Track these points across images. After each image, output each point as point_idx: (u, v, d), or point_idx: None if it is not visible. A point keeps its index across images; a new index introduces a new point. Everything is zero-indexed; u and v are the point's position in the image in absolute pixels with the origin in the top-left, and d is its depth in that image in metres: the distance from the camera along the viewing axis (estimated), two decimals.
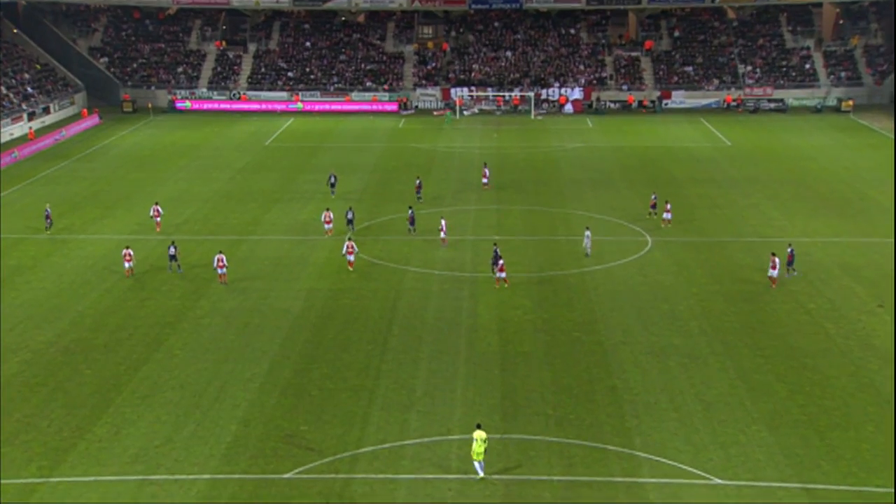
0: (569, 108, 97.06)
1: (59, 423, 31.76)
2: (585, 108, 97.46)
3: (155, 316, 41.48)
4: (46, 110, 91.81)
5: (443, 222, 51.22)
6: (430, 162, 73.58)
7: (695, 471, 28.82)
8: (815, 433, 31.15)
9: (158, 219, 54.22)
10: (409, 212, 53.46)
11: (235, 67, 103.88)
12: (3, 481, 28.00)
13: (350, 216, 53.82)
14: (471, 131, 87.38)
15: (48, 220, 54.55)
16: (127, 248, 46.54)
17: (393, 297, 43.77)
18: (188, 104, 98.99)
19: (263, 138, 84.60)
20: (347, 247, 46.74)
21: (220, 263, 44.76)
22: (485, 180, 64.40)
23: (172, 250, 46.94)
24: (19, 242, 52.81)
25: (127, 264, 46.10)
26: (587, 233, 49.25)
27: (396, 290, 44.64)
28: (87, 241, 52.49)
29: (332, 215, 53.11)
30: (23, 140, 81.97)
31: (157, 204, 55.16)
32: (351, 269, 46.51)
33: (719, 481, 28.31)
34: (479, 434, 28.26)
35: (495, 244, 47.15)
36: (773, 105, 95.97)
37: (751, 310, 41.95)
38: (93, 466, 28.95)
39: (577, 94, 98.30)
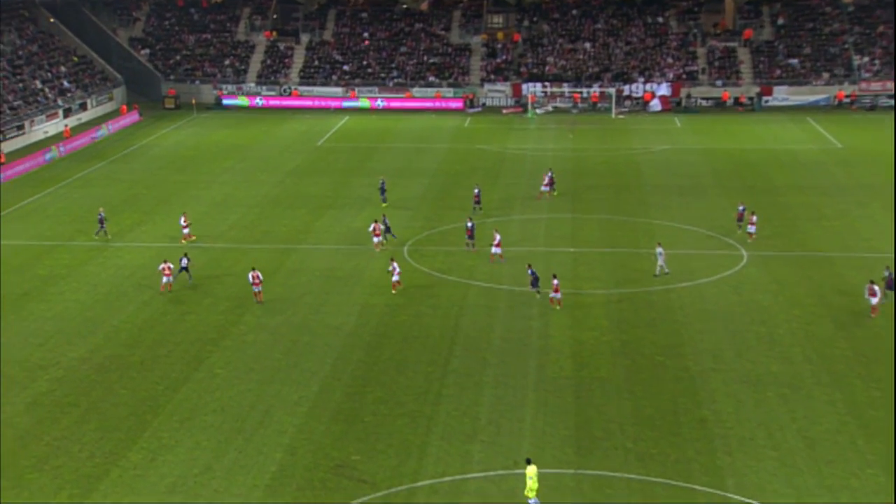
0: (655, 105, 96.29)
1: (92, 447, 32.56)
2: (673, 105, 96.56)
3: (195, 332, 42.27)
4: (83, 106, 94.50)
5: (497, 236, 50.73)
6: (499, 165, 73.66)
7: None
8: None
9: (187, 230, 54.98)
10: (469, 224, 53.09)
11: (286, 60, 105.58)
12: None
13: (387, 223, 54.15)
14: (544, 131, 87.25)
15: (101, 226, 55.68)
16: (165, 261, 47.48)
17: (455, 314, 43.90)
18: (235, 98, 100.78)
19: (315, 138, 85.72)
20: (392, 266, 46.61)
21: (256, 280, 45.12)
22: (544, 187, 63.48)
23: (185, 262, 47.76)
24: (52, 250, 54.39)
25: (165, 279, 46.94)
26: (659, 250, 48.59)
27: (459, 306, 44.75)
28: (124, 249, 53.79)
29: (381, 227, 53.39)
30: (58, 138, 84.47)
31: (184, 214, 55.97)
32: (394, 291, 46.34)
33: None
34: (531, 470, 28.21)
35: (529, 265, 46.49)
36: (893, 101, 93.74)
37: (864, 335, 40.99)
38: (127, 496, 29.61)
39: (664, 90, 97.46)
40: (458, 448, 32.20)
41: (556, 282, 43.87)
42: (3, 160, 74.51)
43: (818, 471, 30.74)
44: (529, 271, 45.61)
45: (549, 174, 64.09)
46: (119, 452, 32.15)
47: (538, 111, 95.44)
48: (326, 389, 36.69)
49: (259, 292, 45.18)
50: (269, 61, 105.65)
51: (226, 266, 50.76)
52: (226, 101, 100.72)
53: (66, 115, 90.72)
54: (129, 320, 43.79)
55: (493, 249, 50.21)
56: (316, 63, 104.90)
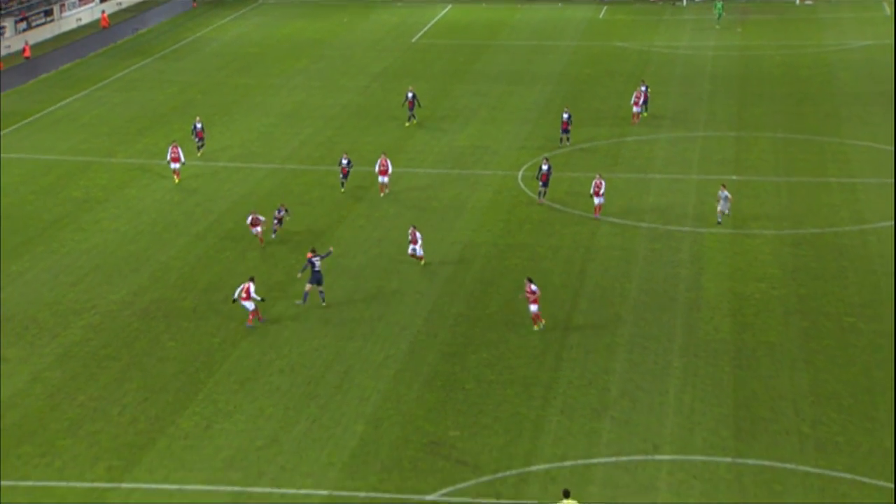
0: None
1: (134, 410, 33.71)
2: None
3: (259, 273, 42.90)
4: None
5: (601, 182, 47.09)
6: (641, 69, 72.48)
7: None
8: None
9: (177, 164, 52.72)
10: (544, 166, 49.07)
11: None
12: (63, 483, 30.10)
13: (346, 163, 51.05)
14: (702, 24, 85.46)
15: (199, 140, 55.92)
16: (253, 212, 46.01)
17: (581, 258, 43.78)
18: None
19: (410, 33, 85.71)
20: (413, 240, 42.85)
21: (245, 294, 38.82)
22: (637, 108, 60.50)
23: (282, 213, 46.26)
24: (87, 167, 56.04)
25: (255, 230, 45.36)
26: (723, 193, 46.05)
27: (586, 248, 44.59)
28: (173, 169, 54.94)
29: (389, 164, 50.59)
30: (94, 28, 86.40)
31: (175, 143, 53.71)
32: (423, 263, 43.11)
33: None
34: None
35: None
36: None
37: None
38: (176, 470, 30.64)
39: None
40: (581, 426, 32.28)
41: (532, 287, 37.97)
42: (28, 55, 76.69)
43: None
44: (311, 260, 40.07)
45: (644, 89, 61.13)
46: (166, 418, 33.20)
47: None
48: (419, 349, 37.12)
49: (254, 310, 39.00)
50: None
51: (297, 192, 51.50)
52: None
53: None
54: (180, 257, 44.93)
55: (596, 200, 47.17)
56: None
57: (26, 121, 64.16)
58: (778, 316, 38.87)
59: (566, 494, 26.47)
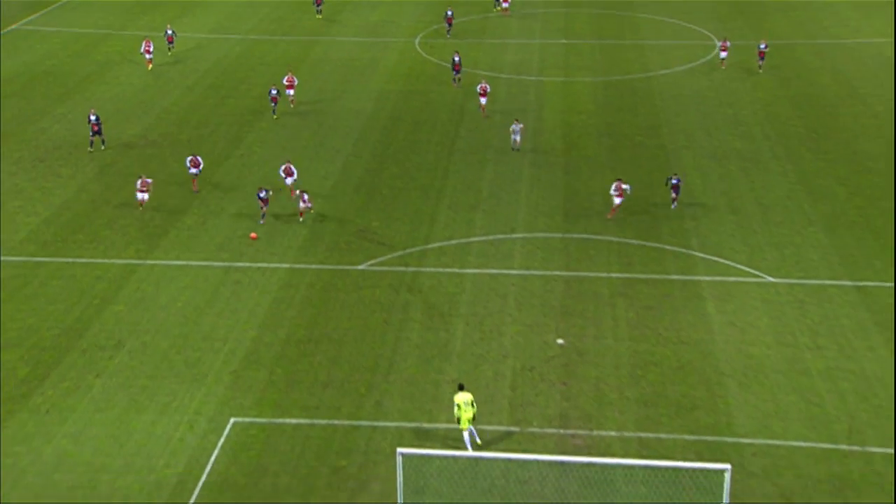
0: None
1: (152, 211, 32.50)
2: None
3: (234, 114, 41.28)
4: None
5: (486, 86, 40.55)
6: None
7: (749, 269, 28.51)
8: (871, 234, 30.47)
9: (149, 56, 46.22)
10: (456, 58, 43.01)
11: None
12: (107, 260, 29.24)
13: (275, 93, 39.71)
14: None
15: (170, 44, 48.68)
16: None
17: (461, 100, 42.73)
18: None
19: None
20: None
21: (143, 188, 32.40)
22: (505, 4, 55.53)
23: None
24: (105, 38, 52.52)
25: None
26: (516, 126, 36.74)
27: (464, 92, 43.47)
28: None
29: (295, 79, 40.89)
30: None
31: (148, 38, 47.51)
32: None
33: (771, 279, 27.99)
34: (461, 398, 20.79)
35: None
36: None
37: (816, 114, 40.20)
38: (183, 252, 29.85)
39: None
40: (463, 216, 32.11)
41: (300, 194, 31.44)
42: None
43: (769, 231, 30.80)
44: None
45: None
46: (175, 216, 32.12)
47: None
48: (349, 166, 36.21)
49: (143, 200, 32.48)
50: None
51: (258, 55, 49.07)
52: None
53: None
54: (177, 103, 42.70)
55: (483, 100, 40.13)
56: None
57: (59, 3, 59.53)
58: (593, 137, 38.71)
59: (461, 388, 21.15)
